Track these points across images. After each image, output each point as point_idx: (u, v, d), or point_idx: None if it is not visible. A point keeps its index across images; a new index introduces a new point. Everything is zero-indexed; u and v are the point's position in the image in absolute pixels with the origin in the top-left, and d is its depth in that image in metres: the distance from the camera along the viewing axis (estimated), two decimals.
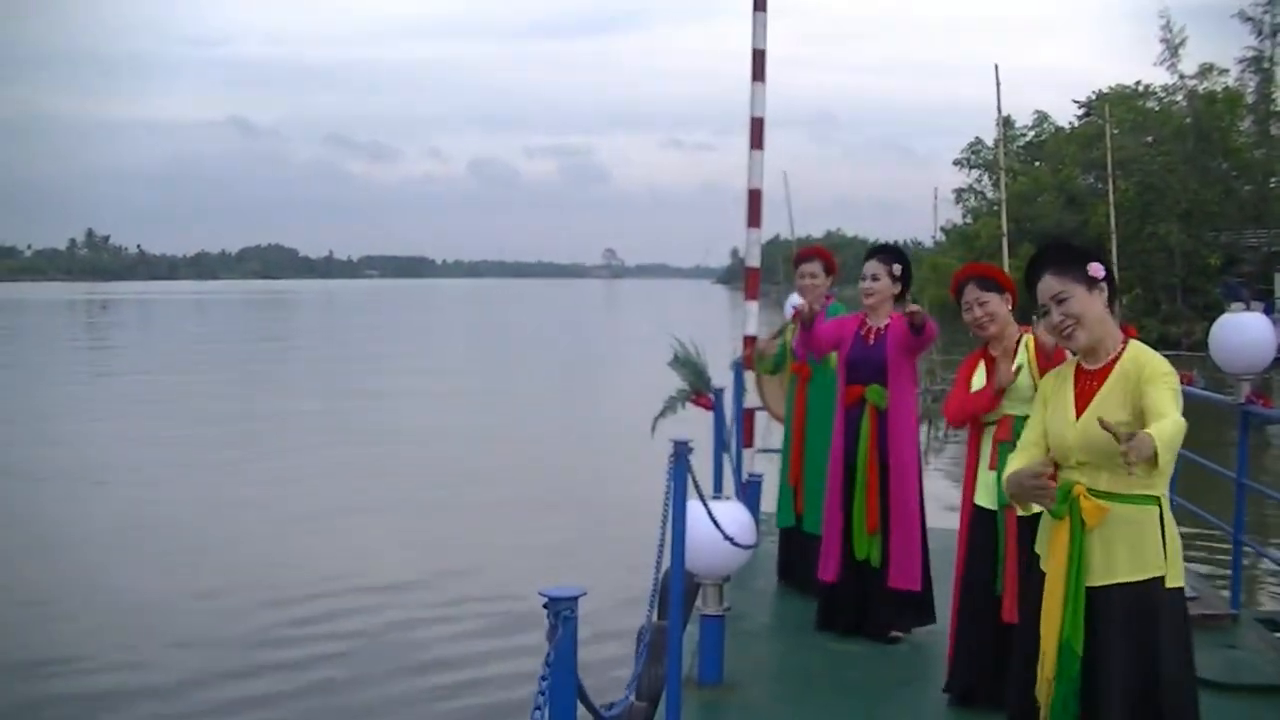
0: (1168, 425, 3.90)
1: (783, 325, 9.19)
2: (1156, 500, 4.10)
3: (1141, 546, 4.09)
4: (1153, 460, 3.75)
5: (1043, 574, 4.27)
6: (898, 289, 7.30)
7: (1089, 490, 4.14)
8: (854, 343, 7.30)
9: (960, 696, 6.01)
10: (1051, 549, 4.23)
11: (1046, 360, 5.61)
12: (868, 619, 7.18)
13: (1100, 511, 4.10)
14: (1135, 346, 4.22)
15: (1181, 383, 4.23)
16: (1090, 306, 4.21)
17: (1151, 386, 4.07)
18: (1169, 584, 4.11)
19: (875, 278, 7.25)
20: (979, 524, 5.92)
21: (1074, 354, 4.40)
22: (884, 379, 7.14)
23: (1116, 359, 4.20)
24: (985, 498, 5.89)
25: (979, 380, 6.00)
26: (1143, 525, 4.09)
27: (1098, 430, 3.99)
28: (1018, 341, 5.99)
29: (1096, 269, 4.22)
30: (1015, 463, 4.32)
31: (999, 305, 6.01)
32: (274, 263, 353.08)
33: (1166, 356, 4.23)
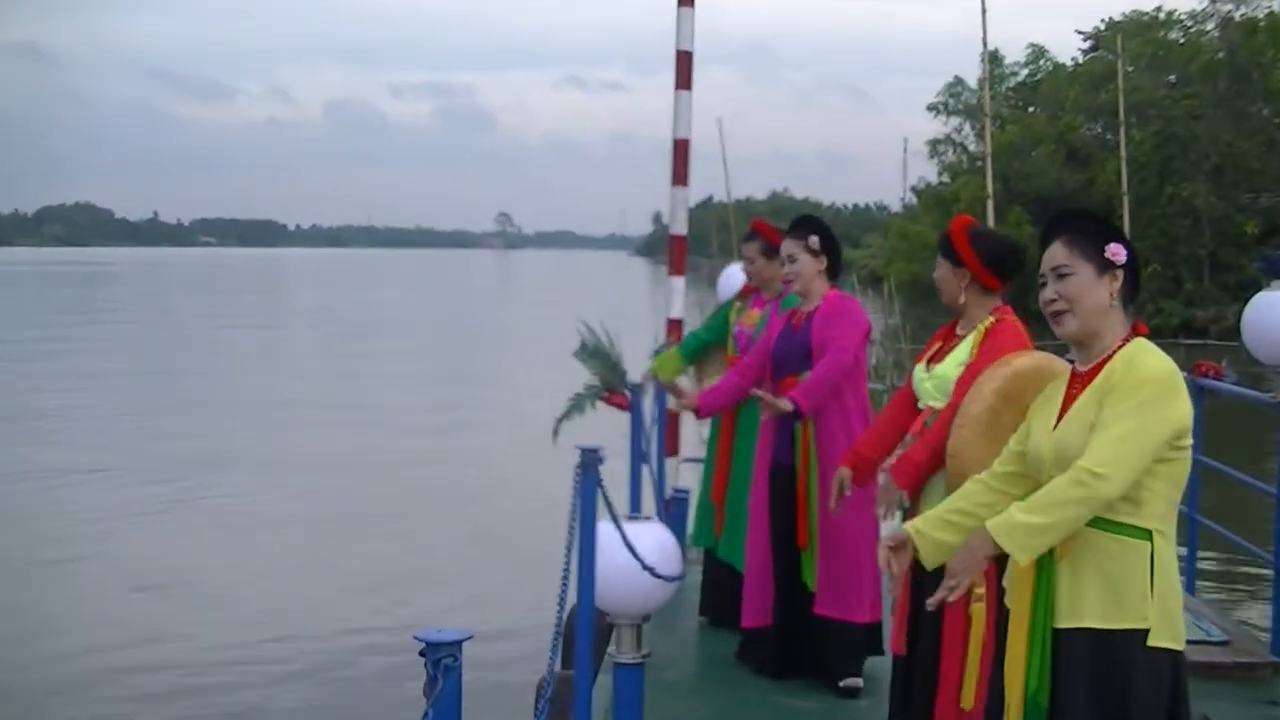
0: (1055, 486, 4.02)
1: (727, 303, 9.12)
2: (1147, 535, 4.05)
3: (1119, 586, 4.03)
4: (989, 556, 3.93)
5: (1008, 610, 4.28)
6: (823, 263, 7.39)
7: None
8: (782, 333, 7.44)
9: None
10: (1016, 582, 4.20)
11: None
12: (805, 658, 7.30)
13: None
14: (1134, 345, 4.17)
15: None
16: (1093, 293, 4.19)
17: (1109, 401, 4.06)
18: (1151, 642, 4.04)
19: (792, 259, 7.36)
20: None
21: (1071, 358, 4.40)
22: (810, 364, 7.21)
23: (1107, 360, 4.18)
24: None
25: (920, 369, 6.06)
26: (1122, 560, 4.04)
27: (1070, 442, 4.05)
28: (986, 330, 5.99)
29: (1116, 251, 4.20)
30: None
31: (946, 272, 5.99)
32: (83, 226, 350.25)
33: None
